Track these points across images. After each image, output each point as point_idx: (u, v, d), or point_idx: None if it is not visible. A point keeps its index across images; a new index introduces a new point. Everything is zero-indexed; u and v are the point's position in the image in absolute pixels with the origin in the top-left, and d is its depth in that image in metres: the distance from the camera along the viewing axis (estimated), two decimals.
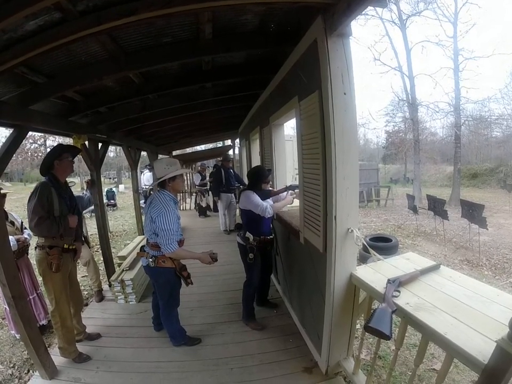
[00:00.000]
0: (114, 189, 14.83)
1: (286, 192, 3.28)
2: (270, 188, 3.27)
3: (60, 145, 2.82)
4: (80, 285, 3.22)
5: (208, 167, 12.23)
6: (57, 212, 2.53)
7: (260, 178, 3.05)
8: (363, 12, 1.86)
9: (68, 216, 2.60)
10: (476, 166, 24.21)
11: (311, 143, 2.34)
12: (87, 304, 3.78)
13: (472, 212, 7.60)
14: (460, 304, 1.55)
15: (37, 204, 2.42)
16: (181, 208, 10.36)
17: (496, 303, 1.53)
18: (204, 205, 9.58)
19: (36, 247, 2.58)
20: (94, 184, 4.16)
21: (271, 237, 3.17)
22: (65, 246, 2.61)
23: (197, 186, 9.89)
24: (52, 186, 2.53)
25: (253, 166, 5.67)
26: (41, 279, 2.65)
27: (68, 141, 4.30)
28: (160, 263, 2.57)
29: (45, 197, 2.47)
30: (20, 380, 2.65)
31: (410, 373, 2.57)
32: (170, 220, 2.45)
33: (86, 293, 4.22)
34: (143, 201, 7.63)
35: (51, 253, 2.51)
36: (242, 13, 2.18)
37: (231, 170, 7.22)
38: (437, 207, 8.82)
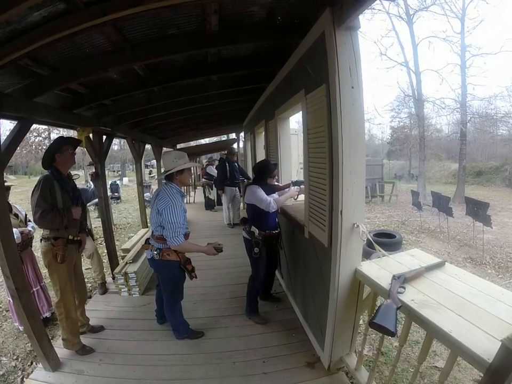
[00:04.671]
0: (118, 182, 14.89)
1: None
2: (276, 183, 3.24)
3: (60, 137, 2.83)
4: (84, 277, 3.23)
5: (215, 160, 12.25)
6: (60, 204, 2.54)
7: (266, 172, 3.02)
8: (372, 5, 1.83)
9: (71, 208, 2.61)
10: (481, 163, 24.03)
11: (317, 137, 2.32)
12: (90, 297, 3.81)
13: (477, 209, 7.58)
14: (465, 302, 1.54)
15: (39, 197, 2.43)
16: (185, 201, 10.34)
17: (501, 301, 1.52)
18: (212, 197, 9.54)
19: (41, 239, 2.60)
20: (98, 177, 4.16)
21: (276, 231, 3.15)
22: (70, 237, 2.63)
23: (203, 179, 9.85)
24: (54, 179, 2.53)
25: (257, 159, 5.64)
26: (46, 271, 2.66)
27: (72, 133, 4.29)
28: (165, 256, 2.57)
29: (47, 190, 2.47)
30: (23, 372, 2.67)
31: (412, 370, 2.60)
32: (177, 213, 2.45)
33: (89, 285, 4.23)
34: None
35: (56, 244, 2.53)
36: (249, 4, 2.15)
37: (236, 164, 7.17)
38: (441, 204, 8.80)
